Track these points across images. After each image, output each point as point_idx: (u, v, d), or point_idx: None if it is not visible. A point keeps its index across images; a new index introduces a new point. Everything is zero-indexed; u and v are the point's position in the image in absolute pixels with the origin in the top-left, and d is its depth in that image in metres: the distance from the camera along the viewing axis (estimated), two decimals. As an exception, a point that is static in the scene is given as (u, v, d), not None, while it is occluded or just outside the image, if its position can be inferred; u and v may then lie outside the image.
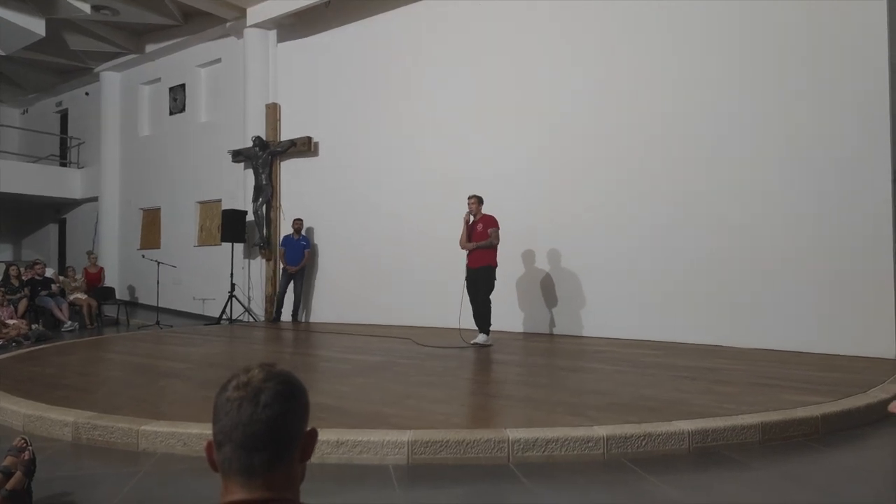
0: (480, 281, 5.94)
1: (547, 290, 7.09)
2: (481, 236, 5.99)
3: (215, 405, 0.97)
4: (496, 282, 5.99)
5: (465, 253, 6.10)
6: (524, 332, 7.12)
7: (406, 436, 2.82)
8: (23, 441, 2.28)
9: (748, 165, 5.93)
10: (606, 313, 6.67)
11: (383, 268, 8.38)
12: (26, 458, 2.20)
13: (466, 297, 5.98)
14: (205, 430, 2.90)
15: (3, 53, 10.58)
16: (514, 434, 2.82)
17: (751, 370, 4.55)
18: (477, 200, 6.09)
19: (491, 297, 5.96)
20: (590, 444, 2.82)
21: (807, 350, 5.42)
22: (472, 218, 6.06)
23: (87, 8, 9.50)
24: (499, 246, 6.03)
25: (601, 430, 2.87)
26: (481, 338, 5.98)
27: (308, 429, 1.00)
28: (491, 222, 6.03)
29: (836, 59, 5.52)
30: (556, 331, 7.04)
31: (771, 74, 5.84)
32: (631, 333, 6.44)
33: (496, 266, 6.00)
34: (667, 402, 3.47)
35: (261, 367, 0.99)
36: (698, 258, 6.15)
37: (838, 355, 5.22)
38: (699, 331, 6.04)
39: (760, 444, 2.98)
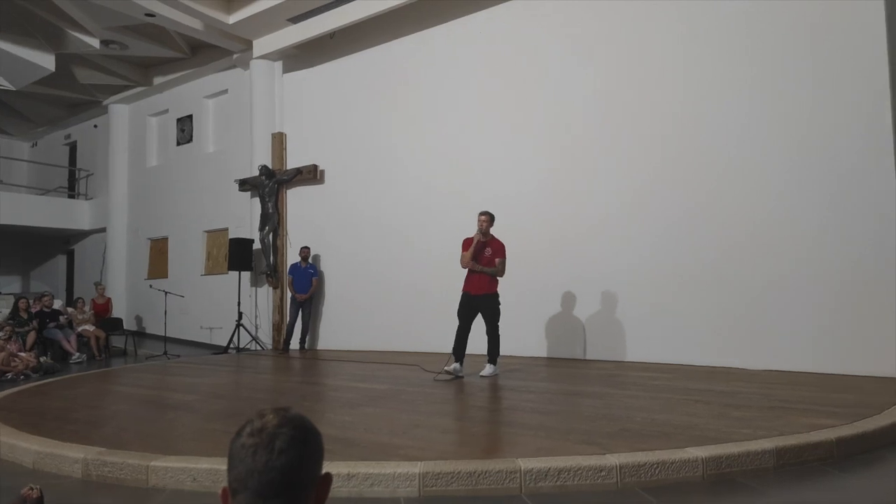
0: (485, 310, 5.62)
1: (552, 313, 7.06)
2: (489, 262, 5.60)
3: (230, 452, 0.98)
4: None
5: (463, 273, 5.68)
6: (529, 357, 7.06)
7: (417, 467, 2.79)
8: (31, 490, 2.24)
9: (754, 185, 5.94)
10: (613, 337, 6.62)
11: (390, 294, 8.38)
12: (35, 495, 2.18)
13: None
14: (214, 465, 2.89)
15: (14, 88, 10.83)
16: (525, 464, 2.79)
17: (763, 393, 4.50)
18: (489, 218, 5.59)
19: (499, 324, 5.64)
20: (602, 473, 2.78)
21: (815, 370, 5.37)
22: (482, 237, 5.57)
23: (96, 43, 9.73)
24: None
25: (614, 459, 2.84)
26: (489, 369, 5.64)
27: (322, 473, 1.00)
28: (500, 251, 5.64)
29: (835, 63, 5.54)
30: (562, 355, 6.98)
31: (772, 79, 5.87)
32: (639, 356, 6.39)
33: (498, 293, 5.69)
34: (680, 428, 3.43)
35: (275, 413, 1.00)
36: (706, 279, 6.12)
37: (847, 375, 5.16)
38: (709, 353, 5.98)
39: (775, 469, 2.93)
